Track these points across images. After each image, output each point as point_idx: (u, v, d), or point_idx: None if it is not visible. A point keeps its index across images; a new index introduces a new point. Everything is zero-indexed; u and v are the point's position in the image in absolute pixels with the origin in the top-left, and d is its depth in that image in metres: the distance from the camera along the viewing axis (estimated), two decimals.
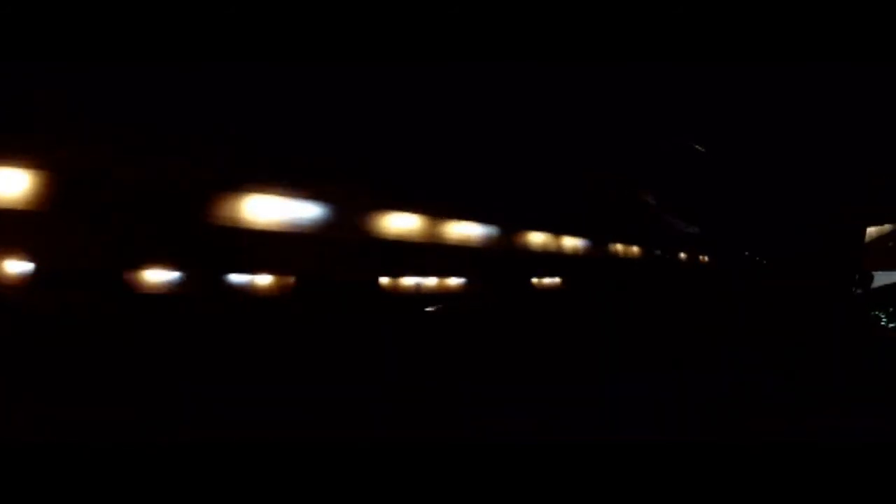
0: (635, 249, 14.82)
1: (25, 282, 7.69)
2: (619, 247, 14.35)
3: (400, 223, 8.73)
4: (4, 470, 4.90)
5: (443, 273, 10.88)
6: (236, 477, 5.10)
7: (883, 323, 13.54)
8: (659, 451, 5.76)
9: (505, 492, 4.99)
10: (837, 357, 10.50)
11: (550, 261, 12.40)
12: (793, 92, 10.22)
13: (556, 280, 13.69)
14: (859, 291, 14.46)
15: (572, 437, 6.38)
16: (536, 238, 11.82)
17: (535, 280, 13.09)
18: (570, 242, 12.89)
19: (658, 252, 15.47)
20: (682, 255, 16.60)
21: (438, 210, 9.27)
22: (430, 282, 10.91)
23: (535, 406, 7.53)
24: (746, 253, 16.79)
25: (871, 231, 14.83)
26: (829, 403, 7.97)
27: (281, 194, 7.20)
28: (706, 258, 17.22)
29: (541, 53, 7.15)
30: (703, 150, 12.98)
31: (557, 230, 12.30)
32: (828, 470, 5.33)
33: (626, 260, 14.59)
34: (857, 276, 14.58)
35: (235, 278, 8.75)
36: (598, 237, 13.61)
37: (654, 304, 14.40)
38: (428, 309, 11.30)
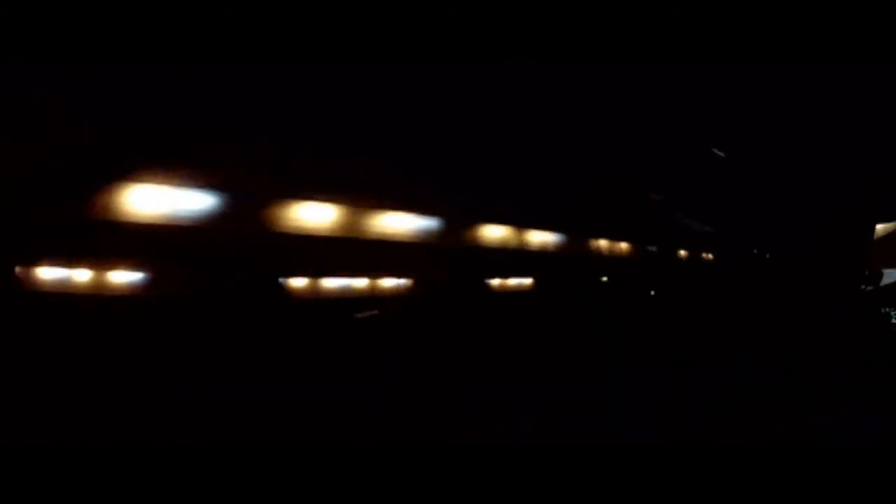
0: (626, 246, 14.38)
1: None
2: (603, 243, 13.76)
3: (310, 215, 7.71)
4: (4, 470, 4.90)
5: (372, 273, 9.61)
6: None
7: (894, 321, 13.52)
8: (659, 451, 5.76)
9: (505, 492, 4.98)
10: (838, 357, 10.50)
11: (516, 259, 11.04)
12: (793, 92, 10.22)
13: (525, 281, 12.32)
14: (869, 289, 14.44)
15: (572, 436, 6.38)
16: (495, 233, 10.48)
17: (494, 280, 11.67)
18: (544, 238, 11.56)
19: (654, 249, 15.37)
20: (682, 252, 16.55)
21: (361, 199, 8.11)
22: (358, 283, 9.66)
23: (536, 406, 7.54)
24: (746, 252, 16.79)
25: (881, 228, 14.81)
26: (829, 403, 7.97)
27: (164, 183, 6.47)
28: (707, 256, 17.18)
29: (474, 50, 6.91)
30: (702, 149, 12.97)
31: (525, 224, 10.95)
32: (828, 470, 5.33)
33: (615, 258, 14.08)
34: (866, 274, 14.57)
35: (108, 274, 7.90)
36: (581, 232, 12.75)
37: (646, 303, 14.37)
38: (360, 315, 9.94)
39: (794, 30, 7.18)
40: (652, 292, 15.14)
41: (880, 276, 14.60)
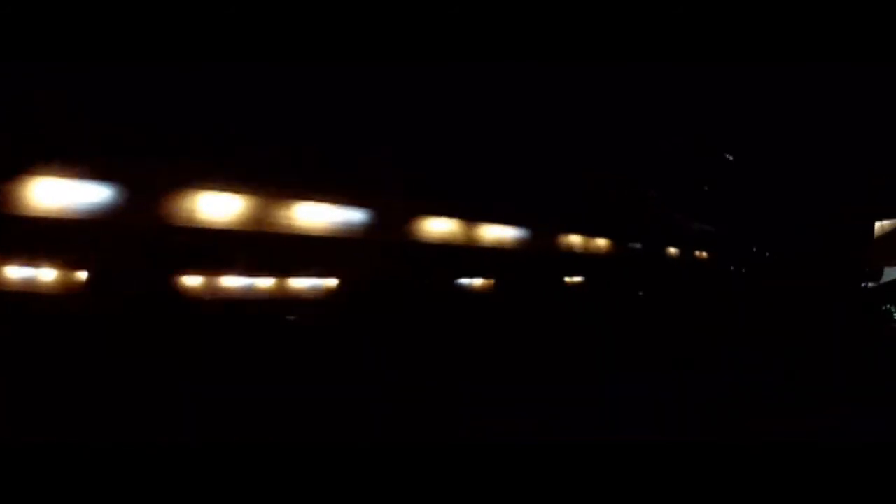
0: (623, 245, 14.05)
1: None
2: (601, 242, 13.30)
3: (215, 207, 7.02)
4: (4, 470, 4.90)
5: (289, 272, 8.78)
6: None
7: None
8: (659, 451, 5.76)
9: (505, 492, 4.99)
10: (838, 357, 10.50)
11: (465, 256, 9.98)
12: (794, 92, 10.22)
13: (485, 281, 11.26)
14: (870, 286, 14.45)
15: (572, 436, 6.38)
16: (439, 226, 9.39)
17: (437, 280, 10.51)
18: (501, 234, 10.57)
19: (654, 248, 15.32)
20: (683, 252, 16.52)
21: (274, 189, 7.37)
22: (274, 283, 8.84)
23: (536, 406, 7.54)
24: (746, 252, 16.80)
25: (881, 226, 14.81)
26: (830, 403, 7.97)
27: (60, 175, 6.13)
28: (707, 256, 17.14)
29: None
30: (702, 149, 12.96)
31: (476, 217, 9.88)
32: (828, 470, 5.33)
33: (608, 257, 13.64)
34: (866, 272, 14.58)
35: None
36: (580, 231, 12.34)
37: (645, 302, 14.33)
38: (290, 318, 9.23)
39: (794, 30, 7.19)
40: (651, 291, 15.12)
41: (881, 273, 14.61)
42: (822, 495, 4.98)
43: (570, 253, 12.71)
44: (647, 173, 13.19)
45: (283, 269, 8.90)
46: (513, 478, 5.17)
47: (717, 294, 15.11)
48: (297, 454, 5.49)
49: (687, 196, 14.74)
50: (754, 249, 16.94)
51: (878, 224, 14.78)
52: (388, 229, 8.77)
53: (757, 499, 4.98)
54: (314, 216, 7.93)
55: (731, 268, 17.22)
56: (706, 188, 14.57)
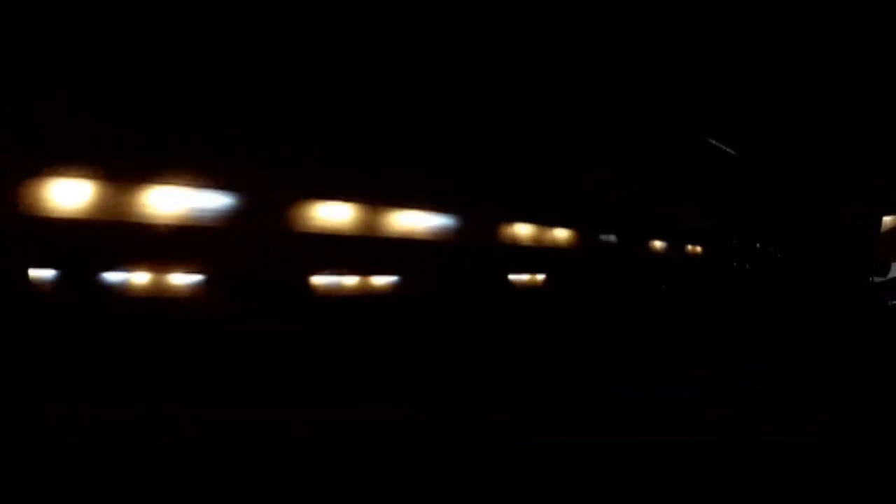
0: (617, 241, 13.75)
1: None
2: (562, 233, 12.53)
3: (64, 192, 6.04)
4: (4, 470, 4.90)
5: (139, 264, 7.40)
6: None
7: None
8: (659, 451, 5.76)
9: (505, 492, 4.99)
10: (839, 356, 10.50)
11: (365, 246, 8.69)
12: (796, 91, 10.23)
13: (391, 279, 9.66)
14: (877, 281, 14.38)
15: (572, 436, 6.37)
16: (338, 213, 8.10)
17: (322, 281, 8.99)
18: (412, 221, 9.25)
19: (653, 246, 15.30)
20: (682, 249, 16.51)
21: (120, 170, 6.29)
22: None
23: (536, 406, 7.53)
24: (748, 250, 16.79)
25: (888, 220, 14.76)
26: (830, 403, 7.97)
27: None
28: (708, 254, 17.12)
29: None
30: (703, 148, 12.97)
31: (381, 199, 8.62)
32: (828, 470, 5.33)
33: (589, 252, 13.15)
34: (873, 266, 14.52)
35: None
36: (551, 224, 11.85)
37: (643, 301, 14.32)
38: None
39: (794, 30, 7.19)
40: (651, 290, 15.13)
41: (888, 268, 14.52)
42: (822, 495, 4.98)
43: (571, 250, 12.69)
44: (648, 172, 13.19)
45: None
46: (513, 478, 5.17)
47: (717, 292, 15.11)
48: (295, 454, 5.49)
49: (688, 195, 14.74)
50: (756, 247, 16.95)
51: (886, 218, 14.72)
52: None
53: (757, 499, 4.99)
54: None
55: (732, 266, 17.23)
56: (706, 187, 14.57)
